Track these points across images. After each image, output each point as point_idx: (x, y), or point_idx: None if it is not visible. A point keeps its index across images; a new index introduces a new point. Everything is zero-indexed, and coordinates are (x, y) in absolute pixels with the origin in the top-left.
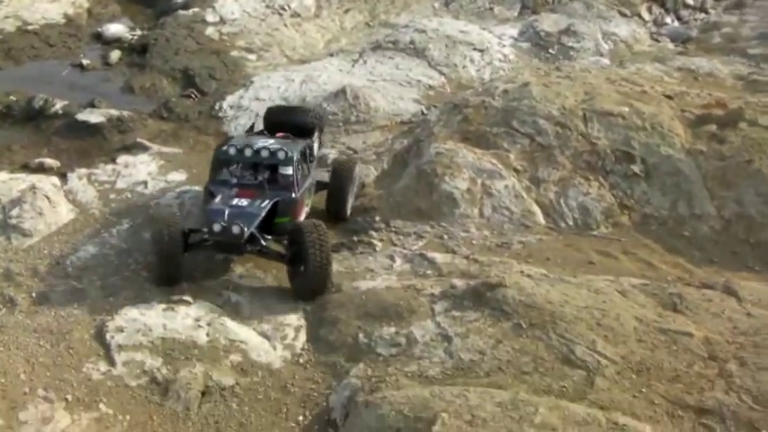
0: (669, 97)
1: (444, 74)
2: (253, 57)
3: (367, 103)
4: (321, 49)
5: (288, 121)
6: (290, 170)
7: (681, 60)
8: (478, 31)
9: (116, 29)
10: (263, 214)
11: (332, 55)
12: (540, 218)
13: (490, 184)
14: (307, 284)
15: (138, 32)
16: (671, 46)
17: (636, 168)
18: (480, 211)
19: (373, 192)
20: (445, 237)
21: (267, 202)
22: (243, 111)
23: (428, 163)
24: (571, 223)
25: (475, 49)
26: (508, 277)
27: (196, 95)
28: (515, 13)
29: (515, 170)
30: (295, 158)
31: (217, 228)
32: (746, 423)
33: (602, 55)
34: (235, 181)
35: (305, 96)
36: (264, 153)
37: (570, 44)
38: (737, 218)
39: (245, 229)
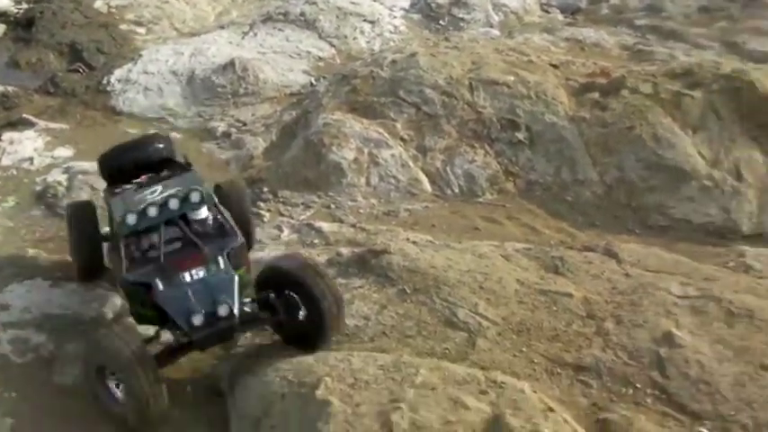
0: (555, 66)
1: (335, 45)
2: (142, 30)
3: (256, 75)
4: (212, 22)
5: (137, 159)
6: (204, 212)
7: (569, 31)
8: (369, 3)
9: (0, 3)
10: (235, 275)
11: (222, 27)
12: (427, 186)
13: (377, 154)
14: (324, 331)
15: (24, 6)
16: (560, 17)
17: (520, 136)
18: (367, 180)
19: (261, 163)
20: (332, 206)
21: (221, 259)
22: (131, 84)
23: (316, 134)
24: (457, 191)
25: (365, 20)
26: (393, 244)
27: (84, 70)
28: None
29: (402, 139)
30: (212, 196)
31: (198, 320)
32: (621, 377)
33: (492, 26)
34: (155, 254)
35: (194, 69)
36: (174, 204)
37: (461, 15)
38: (619, 183)
39: (234, 305)
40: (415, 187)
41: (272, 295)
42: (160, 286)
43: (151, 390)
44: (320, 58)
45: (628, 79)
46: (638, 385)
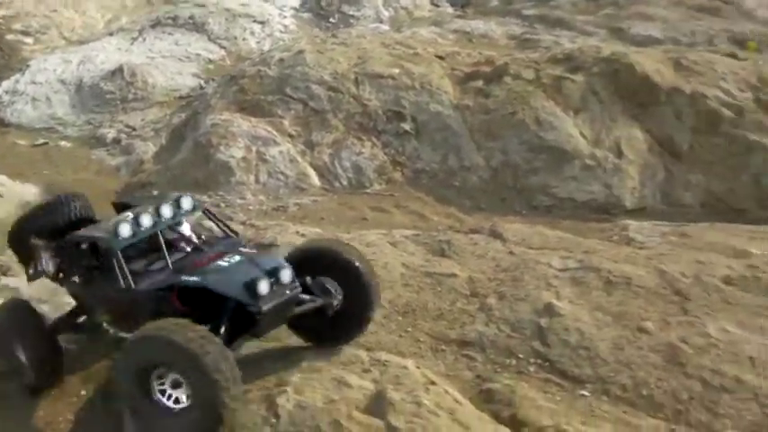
0: (441, 58)
1: (224, 47)
2: (30, 40)
3: (145, 79)
4: (101, 29)
5: (55, 224)
6: (187, 229)
7: (458, 23)
8: (259, 3)
9: None
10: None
11: (111, 34)
12: (316, 180)
13: (265, 151)
14: (369, 312)
15: None
16: (450, 10)
17: (406, 126)
18: (256, 177)
19: (151, 167)
20: (222, 205)
21: (245, 249)
22: (19, 95)
23: (204, 134)
24: (345, 183)
25: (255, 21)
26: (281, 238)
27: None
28: None
29: (290, 135)
30: (202, 202)
31: (265, 287)
32: (504, 349)
33: (382, 22)
34: (159, 266)
35: (82, 77)
36: (167, 211)
37: (351, 12)
38: (503, 166)
39: (293, 271)
40: (304, 182)
41: (309, 279)
42: (197, 278)
43: (236, 388)
44: (210, 61)
45: (511, 66)
46: (521, 355)
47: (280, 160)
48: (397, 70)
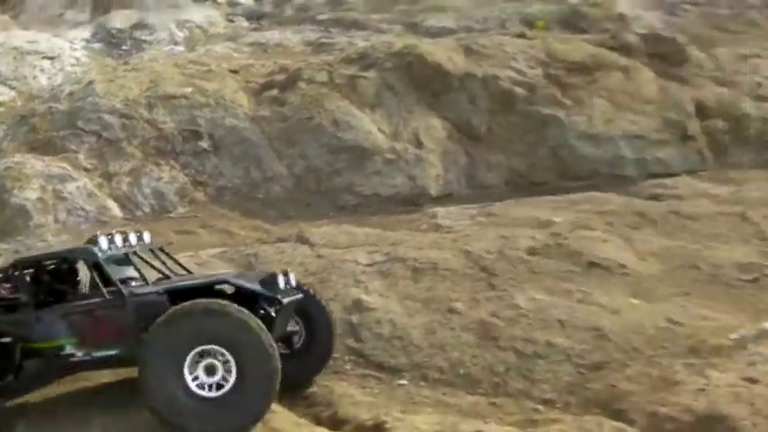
0: (235, 72)
1: (14, 87)
2: None
3: None
4: None
5: None
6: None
7: (253, 36)
8: (48, 38)
9: None
10: None
11: None
12: (117, 211)
13: (62, 189)
14: (330, 352)
15: None
16: (245, 24)
17: (204, 144)
18: (55, 217)
19: None
20: (23, 250)
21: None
22: None
23: None
24: (148, 210)
25: (45, 57)
26: None
27: None
28: (87, 16)
29: (85, 169)
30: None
31: (283, 282)
32: None
33: (177, 43)
34: (136, 284)
35: None
36: (133, 239)
37: (143, 37)
38: (306, 172)
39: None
40: (105, 214)
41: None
42: (205, 280)
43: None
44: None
45: (304, 72)
46: (336, 355)
47: (78, 196)
48: (189, 89)
